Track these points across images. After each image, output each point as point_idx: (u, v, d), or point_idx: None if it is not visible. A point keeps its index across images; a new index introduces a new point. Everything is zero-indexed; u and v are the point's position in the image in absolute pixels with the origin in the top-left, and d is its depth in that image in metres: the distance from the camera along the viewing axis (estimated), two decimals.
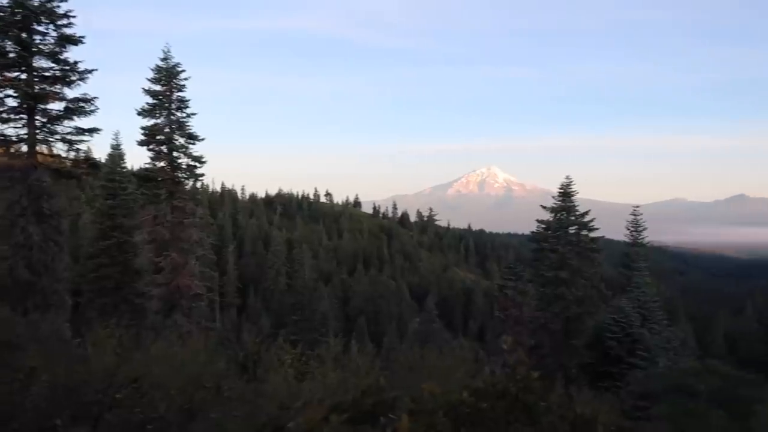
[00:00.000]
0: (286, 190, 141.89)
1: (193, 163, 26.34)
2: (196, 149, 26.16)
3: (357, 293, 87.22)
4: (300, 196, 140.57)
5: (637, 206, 34.21)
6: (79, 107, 19.89)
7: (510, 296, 28.93)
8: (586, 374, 22.98)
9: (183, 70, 25.69)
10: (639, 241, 33.29)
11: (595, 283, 31.15)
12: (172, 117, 25.73)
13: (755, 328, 61.83)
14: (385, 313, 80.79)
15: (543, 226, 32.15)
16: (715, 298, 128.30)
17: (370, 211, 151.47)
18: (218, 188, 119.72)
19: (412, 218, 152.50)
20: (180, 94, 25.74)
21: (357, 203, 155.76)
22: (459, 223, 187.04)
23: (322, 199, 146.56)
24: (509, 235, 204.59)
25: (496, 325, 32.98)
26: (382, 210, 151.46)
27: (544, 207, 32.46)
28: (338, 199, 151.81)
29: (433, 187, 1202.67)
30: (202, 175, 27.12)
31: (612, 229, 43.28)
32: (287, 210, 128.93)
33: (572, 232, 31.60)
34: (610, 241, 69.78)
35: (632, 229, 33.58)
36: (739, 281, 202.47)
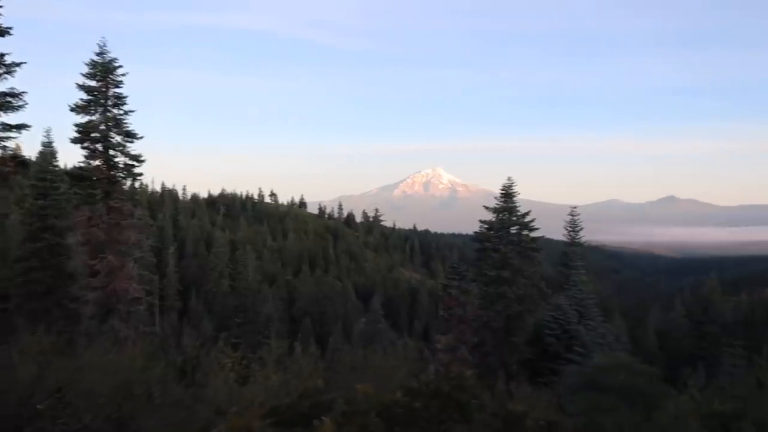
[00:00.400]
0: (229, 190, 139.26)
1: (130, 162, 25.44)
2: (134, 148, 25.29)
3: (302, 294, 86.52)
4: (244, 197, 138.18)
5: (575, 207, 35.43)
6: (5, 102, 18.90)
7: (454, 295, 29.37)
8: (526, 370, 23.59)
9: (120, 66, 24.79)
10: (576, 240, 34.47)
11: (536, 281, 32.03)
12: (108, 114, 24.77)
13: (684, 323, 65.01)
14: (330, 314, 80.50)
15: (486, 226, 32.79)
16: (647, 295, 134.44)
17: (315, 211, 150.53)
18: (158, 188, 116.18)
19: (358, 219, 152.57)
20: (117, 90, 24.83)
21: (302, 204, 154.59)
22: (404, 223, 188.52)
23: (267, 200, 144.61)
24: (453, 235, 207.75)
25: (440, 324, 33.38)
26: (328, 210, 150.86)
27: (486, 207, 33.11)
28: (283, 199, 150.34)
29: (379, 187, 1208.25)
30: (141, 174, 26.24)
31: (551, 229, 44.65)
32: (230, 211, 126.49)
33: (514, 232, 32.38)
34: (550, 241, 71.94)
35: (570, 229, 34.71)
36: (669, 279, 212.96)
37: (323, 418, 2.56)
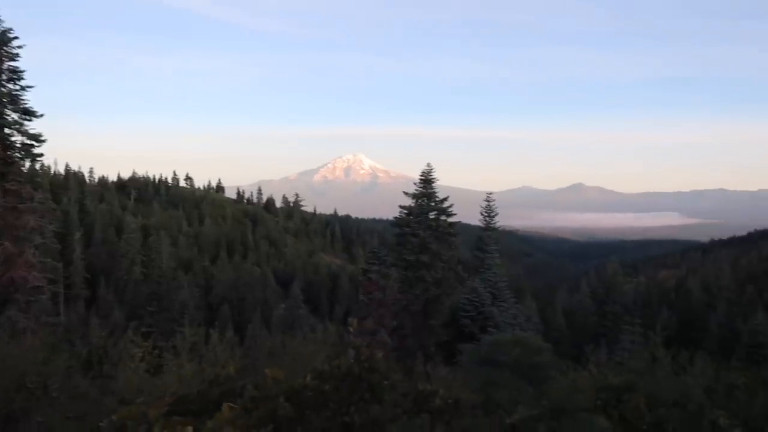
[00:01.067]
0: (141, 173, 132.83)
1: (29, 142, 23.62)
2: (33, 126, 23.50)
3: (220, 281, 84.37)
4: (157, 180, 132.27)
5: (490, 193, 36.66)
6: None
7: (374, 280, 29.65)
8: (443, 351, 24.29)
9: (16, 37, 22.87)
10: (491, 226, 35.68)
11: (453, 265, 32.98)
12: (2, 89, 22.87)
13: (588, 304, 69.10)
14: (249, 301, 79.06)
15: (405, 212, 33.33)
16: (556, 277, 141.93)
17: (233, 196, 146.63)
18: (62, 170, 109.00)
19: (278, 204, 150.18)
20: (12, 63, 22.92)
21: (220, 188, 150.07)
22: (325, 208, 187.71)
23: (182, 184, 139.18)
24: (374, 220, 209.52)
25: (360, 308, 33.65)
26: (246, 195, 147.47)
27: (406, 193, 33.62)
28: (199, 183, 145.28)
29: (299, 172, 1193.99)
30: (41, 155, 24.41)
31: (468, 215, 45.87)
32: (142, 195, 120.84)
33: (432, 217, 33.11)
34: (467, 226, 74.22)
35: (485, 215, 35.89)
36: (576, 262, 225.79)
37: (232, 405, 2.52)
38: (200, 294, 77.73)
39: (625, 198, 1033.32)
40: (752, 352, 34.59)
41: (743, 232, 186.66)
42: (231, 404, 2.48)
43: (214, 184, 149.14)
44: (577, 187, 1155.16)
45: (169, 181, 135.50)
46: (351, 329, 3.99)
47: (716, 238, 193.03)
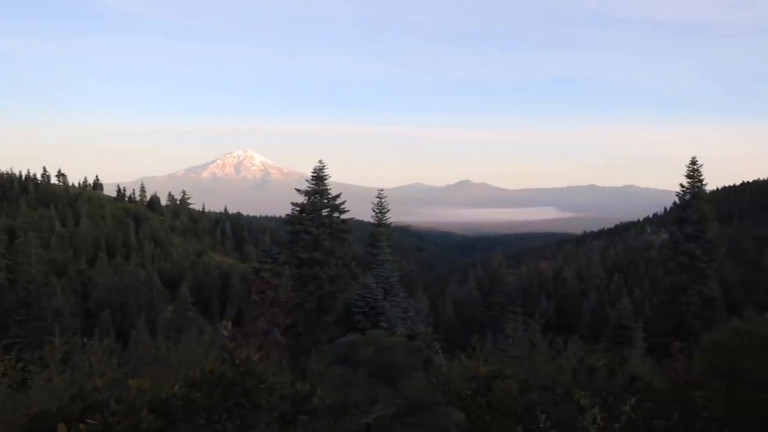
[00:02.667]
0: (4, 169, 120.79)
1: None
2: None
3: (99, 285, 78.87)
4: (23, 177, 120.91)
5: (382, 189, 37.28)
6: None
7: (266, 278, 29.08)
8: None
9: None
10: (383, 222, 36.28)
11: (347, 262, 33.15)
12: None
13: (475, 295, 72.38)
14: (133, 305, 74.66)
15: (298, 209, 33.02)
16: (446, 270, 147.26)
17: (113, 193, 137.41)
18: None
19: (164, 201, 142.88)
20: None
21: (97, 185, 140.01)
22: (215, 206, 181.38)
23: (54, 181, 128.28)
24: (267, 218, 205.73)
25: (253, 308, 32.92)
26: (128, 193, 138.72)
27: (298, 190, 33.30)
28: (74, 180, 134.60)
29: (186, 168, 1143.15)
30: None
31: (362, 211, 46.29)
32: (7, 193, 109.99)
33: (325, 214, 33.07)
34: (361, 222, 75.05)
35: (377, 211, 36.43)
36: (464, 255, 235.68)
37: (89, 420, 2.36)
38: (77, 300, 72.23)
39: (507, 194, 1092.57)
40: (618, 334, 37.89)
41: (611, 225, 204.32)
42: (90, 420, 2.32)
43: (90, 181, 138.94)
44: (465, 184, 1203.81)
45: (39, 177, 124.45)
46: (225, 331, 3.89)
47: (588, 231, 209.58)
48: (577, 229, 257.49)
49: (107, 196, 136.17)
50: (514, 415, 4.31)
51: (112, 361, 7.26)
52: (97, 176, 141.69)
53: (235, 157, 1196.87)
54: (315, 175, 33.01)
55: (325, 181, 33.14)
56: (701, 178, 37.49)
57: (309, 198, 32.95)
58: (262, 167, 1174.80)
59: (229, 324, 3.95)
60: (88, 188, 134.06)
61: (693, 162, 37.70)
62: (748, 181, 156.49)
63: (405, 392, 3.96)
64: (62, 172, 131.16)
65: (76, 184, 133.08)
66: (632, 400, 4.45)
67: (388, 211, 36.50)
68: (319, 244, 31.81)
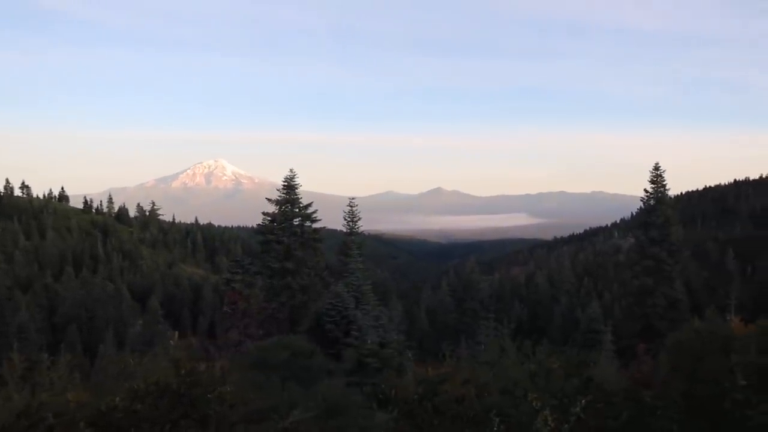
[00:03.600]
0: None
1: None
2: None
3: (66, 299, 76.91)
4: None
5: (353, 198, 37.25)
6: None
7: (237, 289, 28.77)
8: None
9: None
10: (355, 230, 36.26)
11: (319, 271, 32.99)
12: None
13: (449, 301, 72.67)
14: (101, 319, 72.94)
15: (269, 218, 32.79)
16: (420, 278, 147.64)
17: (80, 205, 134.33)
18: None
19: (132, 213, 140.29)
20: None
21: (63, 197, 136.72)
22: (186, 217, 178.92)
23: (17, 193, 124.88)
24: (239, 228, 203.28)
25: (224, 319, 32.51)
26: (95, 204, 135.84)
27: (269, 200, 33.09)
28: (38, 192, 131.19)
29: (156, 179, 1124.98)
30: None
31: (335, 220, 46.18)
32: None
33: (296, 223, 32.89)
34: (334, 231, 74.84)
35: (348, 219, 36.38)
36: (438, 262, 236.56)
37: None
38: (42, 315, 70.37)
39: (479, 201, 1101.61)
40: (588, 338, 38.46)
41: (581, 230, 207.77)
42: None
43: (56, 192, 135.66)
44: (437, 191, 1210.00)
45: (1, 189, 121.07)
46: (172, 342, 3.85)
47: (558, 236, 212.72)
48: (548, 235, 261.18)
49: (74, 207, 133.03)
50: (462, 419, 4.36)
51: (74, 377, 7.10)
52: (62, 187, 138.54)
53: (206, 167, 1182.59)
54: (286, 184, 32.85)
55: (296, 191, 33.00)
56: (664, 183, 38.39)
57: (280, 207, 32.75)
58: (234, 177, 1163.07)
59: (176, 335, 3.91)
60: (53, 200, 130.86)
61: (656, 168, 38.61)
62: (710, 186, 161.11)
63: (323, 395, 3.98)
64: (26, 183, 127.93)
65: (41, 196, 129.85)
66: (583, 401, 4.56)
67: (359, 219, 36.51)
68: (291, 253, 31.62)
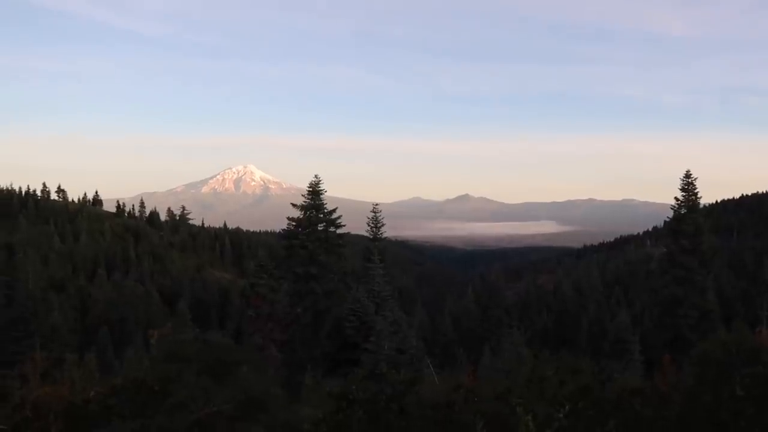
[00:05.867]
0: (3, 185, 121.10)
1: None
2: None
3: (98, 301, 78.69)
4: (23, 192, 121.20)
5: (377, 204, 37.37)
6: None
7: (261, 294, 29.06)
8: (329, 362, 24.33)
9: None
10: (378, 236, 36.37)
11: (342, 276, 33.20)
12: None
13: (474, 309, 72.18)
14: (131, 321, 74.38)
15: (294, 223, 33.13)
16: (445, 285, 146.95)
17: (113, 209, 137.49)
18: None
19: (163, 217, 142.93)
20: None
21: (97, 201, 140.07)
22: (215, 222, 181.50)
23: (53, 196, 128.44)
24: (267, 233, 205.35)
25: (249, 323, 32.85)
26: (127, 208, 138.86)
27: (294, 205, 33.46)
28: (73, 196, 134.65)
29: (186, 184, 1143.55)
30: None
31: (361, 226, 46.45)
32: (6, 209, 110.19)
33: (321, 228, 33.17)
34: (359, 237, 75.04)
35: (372, 225, 36.50)
36: (464, 269, 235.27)
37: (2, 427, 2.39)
38: (75, 316, 72.01)
39: (507, 208, 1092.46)
40: (616, 347, 37.78)
41: (611, 238, 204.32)
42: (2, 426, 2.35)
43: (90, 196, 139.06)
44: (464, 198, 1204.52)
45: (38, 193, 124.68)
46: (152, 341, 3.92)
47: (588, 245, 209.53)
48: (577, 243, 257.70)
49: (107, 211, 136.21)
50: (446, 423, 4.34)
51: (94, 375, 7.27)
52: (96, 192, 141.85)
53: (234, 173, 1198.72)
54: (311, 189, 33.17)
55: (321, 196, 33.28)
56: (696, 191, 37.54)
57: (305, 213, 33.06)
58: (262, 182, 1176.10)
59: (155, 333, 3.98)
60: (87, 204, 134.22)
61: (687, 175, 37.79)
62: (747, 194, 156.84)
63: (241, 388, 3.98)
64: (62, 187, 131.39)
65: (76, 200, 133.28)
66: (567, 407, 4.49)
67: (382, 225, 36.59)
68: (315, 258, 31.84)
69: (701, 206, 41.03)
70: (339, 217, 33.68)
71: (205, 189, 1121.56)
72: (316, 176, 33.41)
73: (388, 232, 39.37)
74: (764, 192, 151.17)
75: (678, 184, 37.83)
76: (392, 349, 14.28)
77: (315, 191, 33.00)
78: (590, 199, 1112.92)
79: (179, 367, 4.20)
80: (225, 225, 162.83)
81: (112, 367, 41.87)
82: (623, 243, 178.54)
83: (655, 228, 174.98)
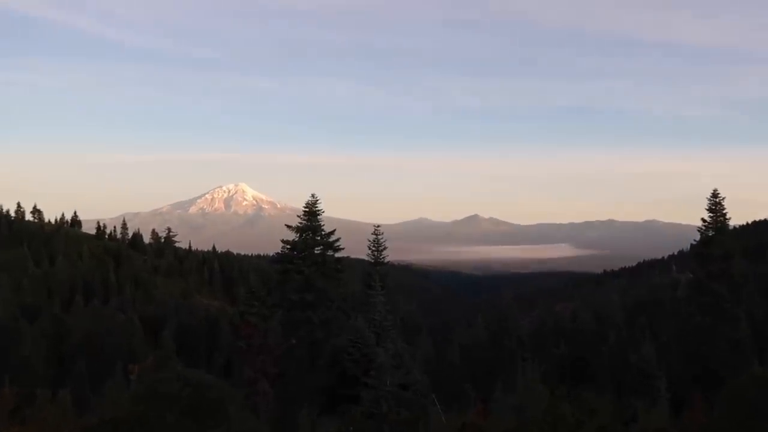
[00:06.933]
0: None
1: None
2: None
3: (74, 331, 78.28)
4: None
5: (378, 226, 37.10)
6: None
7: (253, 323, 28.96)
8: (325, 397, 24.11)
9: None
10: (380, 260, 36.26)
11: (341, 304, 33.09)
12: None
13: (484, 339, 71.69)
14: (110, 353, 73.90)
15: (288, 246, 33.11)
16: (453, 312, 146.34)
17: (92, 231, 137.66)
18: None
19: (147, 239, 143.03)
20: None
21: (76, 222, 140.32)
22: (203, 244, 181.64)
23: (28, 217, 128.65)
24: (259, 257, 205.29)
25: (240, 355, 32.66)
26: (108, 230, 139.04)
27: (289, 226, 33.42)
28: (50, 216, 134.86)
29: (172, 204, 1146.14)
30: None
31: (361, 249, 46.50)
32: None
33: (318, 252, 33.15)
34: (361, 261, 74.99)
35: (374, 248, 36.35)
36: (473, 295, 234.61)
37: None
38: (49, 347, 71.62)
39: (519, 229, 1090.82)
40: (640, 384, 37.40)
41: (632, 262, 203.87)
42: None
43: (68, 217, 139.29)
44: (473, 219, 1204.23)
45: (12, 213, 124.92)
46: (132, 377, 3.89)
47: (608, 269, 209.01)
48: (596, 268, 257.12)
49: (86, 233, 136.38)
50: None
51: (68, 414, 7.22)
52: (75, 212, 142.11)
53: (225, 191, 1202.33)
54: (307, 210, 33.22)
55: (319, 217, 33.32)
56: (724, 211, 37.51)
57: (301, 235, 33.09)
58: (255, 202, 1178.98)
59: (136, 368, 3.95)
60: (65, 225, 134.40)
61: (715, 194, 37.78)
62: None
63: (218, 426, 3.93)
64: (38, 207, 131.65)
65: (53, 221, 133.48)
66: None
67: (385, 248, 36.56)
68: (312, 284, 31.79)
69: (730, 227, 40.91)
70: (338, 240, 33.68)
71: (192, 209, 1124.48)
72: (313, 195, 33.51)
73: (391, 255, 39.33)
74: None
75: (705, 203, 37.81)
76: (394, 384, 14.15)
77: (312, 211, 33.07)
78: (610, 220, 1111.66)
79: (161, 406, 4.17)
80: (214, 248, 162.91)
81: (88, 403, 41.48)
82: (646, 268, 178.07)
83: (680, 252, 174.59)
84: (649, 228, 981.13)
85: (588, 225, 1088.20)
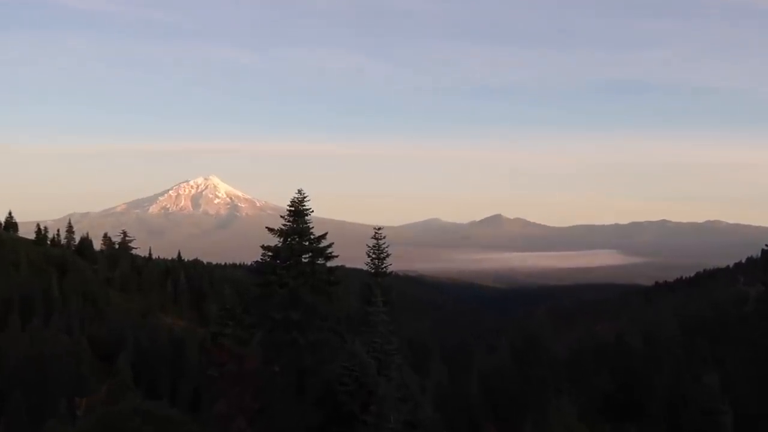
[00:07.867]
0: None
1: None
2: None
3: (9, 357, 78.54)
4: None
5: (380, 228, 36.54)
6: None
7: (227, 346, 29.00)
8: None
9: None
10: (382, 269, 36.02)
11: (333, 324, 32.93)
12: None
13: (509, 365, 71.78)
14: (53, 384, 74.16)
15: (270, 253, 33.00)
16: (472, 332, 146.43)
17: (31, 235, 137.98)
18: None
19: (97, 245, 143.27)
20: None
21: (10, 224, 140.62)
22: (166, 251, 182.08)
23: None
24: (234, 266, 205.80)
25: (211, 385, 32.69)
26: (51, 234, 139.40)
27: (270, 229, 33.25)
28: None
29: (128, 203, 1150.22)
30: None
31: (359, 256, 46.47)
32: None
33: (306, 260, 33.02)
34: (359, 272, 75.03)
35: (374, 255, 36.03)
36: (495, 312, 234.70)
37: None
38: None
39: (552, 232, 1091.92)
40: (703, 420, 37.43)
41: (690, 272, 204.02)
42: None
43: (2, 218, 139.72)
44: (496, 220, 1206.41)
45: None
46: (78, 411, 3.87)
47: (660, 281, 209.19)
48: (646, 279, 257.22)
49: (23, 238, 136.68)
50: None
51: None
52: (10, 212, 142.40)
53: (192, 187, 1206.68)
54: (293, 209, 33.07)
55: (307, 218, 33.21)
56: None
57: (285, 240, 32.99)
58: (228, 199, 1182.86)
59: (84, 401, 3.94)
60: None
61: None
62: None
63: None
64: None
65: None
66: None
67: (388, 255, 36.43)
68: (298, 300, 31.72)
69: None
70: (330, 245, 33.61)
71: (153, 208, 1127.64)
72: (299, 191, 33.45)
73: (396, 264, 39.26)
74: None
75: None
76: (399, 422, 14.12)
77: (298, 211, 32.99)
78: (663, 221, 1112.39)
79: None
80: (179, 255, 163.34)
81: None
82: (707, 279, 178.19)
83: (749, 259, 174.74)
84: (711, 230, 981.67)
85: (636, 227, 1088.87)
